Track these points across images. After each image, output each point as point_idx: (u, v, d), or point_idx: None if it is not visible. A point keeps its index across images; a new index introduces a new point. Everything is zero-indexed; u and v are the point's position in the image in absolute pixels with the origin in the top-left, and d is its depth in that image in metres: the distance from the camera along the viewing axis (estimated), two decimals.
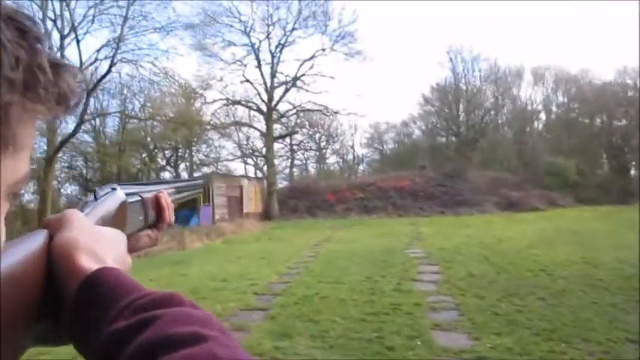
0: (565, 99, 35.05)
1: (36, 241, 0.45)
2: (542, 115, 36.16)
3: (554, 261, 8.76)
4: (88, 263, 0.44)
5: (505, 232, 14.27)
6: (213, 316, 0.40)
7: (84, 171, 21.07)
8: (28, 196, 18.06)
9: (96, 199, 0.59)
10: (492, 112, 33.56)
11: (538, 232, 13.74)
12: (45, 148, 16.42)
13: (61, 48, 16.03)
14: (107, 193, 0.61)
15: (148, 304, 0.39)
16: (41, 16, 15.66)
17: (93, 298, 0.41)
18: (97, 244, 0.47)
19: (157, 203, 0.74)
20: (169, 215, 0.76)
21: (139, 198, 0.69)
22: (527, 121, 34.54)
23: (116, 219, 0.59)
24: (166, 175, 23.31)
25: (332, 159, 40.66)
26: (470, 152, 32.98)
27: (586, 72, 34.12)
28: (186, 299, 0.41)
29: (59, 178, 19.31)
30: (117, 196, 0.62)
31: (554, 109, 35.79)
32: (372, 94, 63.16)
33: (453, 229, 16.10)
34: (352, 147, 40.09)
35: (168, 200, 0.76)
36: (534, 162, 31.78)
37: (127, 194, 0.65)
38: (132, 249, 0.70)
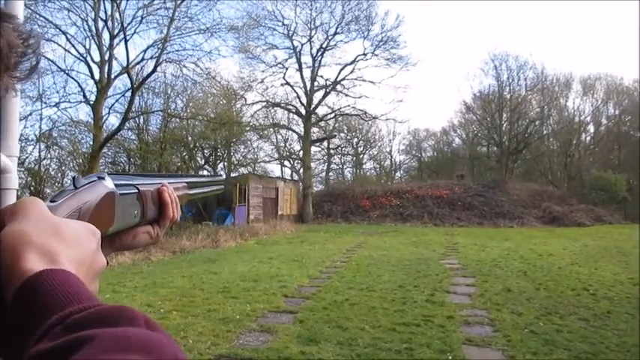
0: (616, 111, 33.51)
1: None
2: (591, 127, 34.71)
3: (598, 280, 8.31)
4: (34, 263, 0.36)
5: (546, 247, 13.71)
6: (168, 340, 0.31)
7: (126, 167, 21.70)
8: None
9: (75, 187, 0.52)
10: (537, 123, 32.44)
11: (582, 249, 13.13)
12: (91, 143, 17.03)
13: (111, 47, 16.59)
14: (90, 182, 0.54)
15: (85, 319, 0.31)
16: (93, 17, 16.31)
17: (25, 307, 0.34)
18: (53, 239, 0.40)
19: (160, 197, 0.67)
20: (173, 211, 0.69)
21: (134, 190, 0.62)
22: (575, 133, 33.19)
23: (98, 212, 0.52)
24: (204, 174, 23.74)
25: (369, 164, 40.42)
26: (512, 163, 32.04)
27: None
28: (139, 315, 0.33)
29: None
30: (102, 186, 0.55)
31: (603, 121, 34.29)
32: (412, 100, 62.56)
33: (491, 241, 15.62)
34: (390, 153, 39.75)
35: (172, 195, 0.69)
36: (580, 176, 30.56)
37: (119, 185, 0.58)
38: (127, 246, 0.65)
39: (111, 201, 0.55)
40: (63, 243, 0.40)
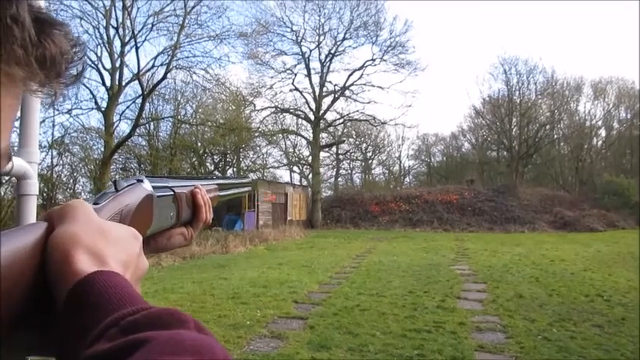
0: (628, 115, 33.17)
1: (31, 233, 0.39)
2: (602, 132, 34.38)
3: (612, 286, 8.20)
4: (85, 264, 0.37)
5: (558, 252, 13.56)
6: (216, 343, 0.32)
7: (137, 172, 21.89)
8: (85, 194, 18.95)
9: (117, 190, 0.52)
10: (547, 127, 32.19)
11: (595, 255, 12.96)
12: (102, 149, 17.21)
13: (122, 54, 16.80)
14: (130, 185, 0.54)
15: (140, 321, 0.32)
16: (105, 24, 16.54)
17: (79, 308, 0.34)
18: (101, 241, 0.40)
19: (193, 200, 0.68)
20: (207, 213, 0.70)
21: (170, 192, 0.62)
22: (586, 137, 32.88)
23: (138, 214, 0.53)
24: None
25: (378, 170, 40.36)
26: (522, 168, 31.81)
27: None
28: (189, 318, 0.34)
29: (114, 179, 20.20)
30: (142, 188, 0.55)
31: (615, 125, 33.95)
32: (421, 105, 62.44)
33: (502, 246, 15.48)
34: (399, 158, 39.68)
35: (205, 197, 0.69)
36: (592, 180, 30.24)
37: (156, 187, 0.59)
38: (162, 248, 0.66)
39: (149, 203, 0.56)
40: (110, 245, 0.41)
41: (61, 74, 0.35)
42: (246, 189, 0.97)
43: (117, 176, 21.31)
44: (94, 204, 0.48)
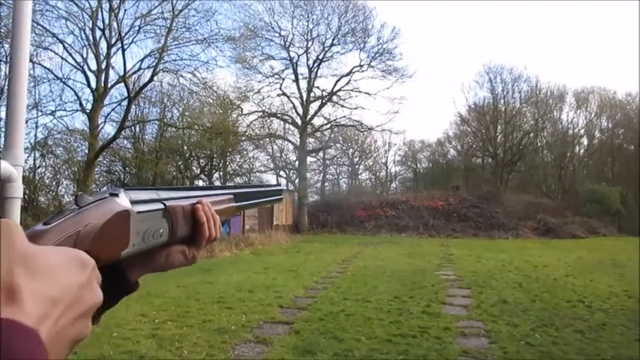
0: (609, 124, 33.80)
1: None
2: (585, 140, 34.97)
3: (593, 292, 8.33)
4: None
5: (541, 258, 13.73)
6: None
7: (122, 176, 21.64)
8: (68, 197, 18.67)
9: (79, 206, 0.45)
10: (531, 135, 32.66)
11: (577, 261, 13.16)
12: (86, 152, 16.99)
13: (108, 56, 16.64)
14: (98, 201, 0.47)
15: None
16: (91, 26, 16.37)
17: None
18: (20, 272, 0.33)
19: (193, 215, 0.60)
20: (210, 230, 0.62)
21: (159, 206, 0.56)
22: (569, 146, 33.43)
23: (106, 234, 0.46)
24: (199, 183, 23.71)
25: (364, 175, 40.48)
26: (506, 175, 32.18)
27: (633, 97, 32.92)
28: None
29: (97, 182, 19.89)
30: (113, 203, 0.48)
31: (597, 134, 34.56)
32: (408, 111, 62.81)
33: (486, 252, 15.63)
34: (385, 164, 39.81)
35: (209, 212, 0.62)
36: (575, 188, 30.72)
37: (138, 202, 0.52)
38: (160, 267, 0.61)
39: (123, 220, 0.49)
40: (32, 278, 0.34)
41: None
42: (276, 197, 0.88)
43: (101, 179, 21.07)
44: (44, 224, 0.42)
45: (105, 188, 0.53)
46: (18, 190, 1.04)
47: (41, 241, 0.40)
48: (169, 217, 0.57)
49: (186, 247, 0.61)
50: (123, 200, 0.50)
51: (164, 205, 0.56)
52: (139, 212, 0.51)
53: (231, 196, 0.72)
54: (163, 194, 0.58)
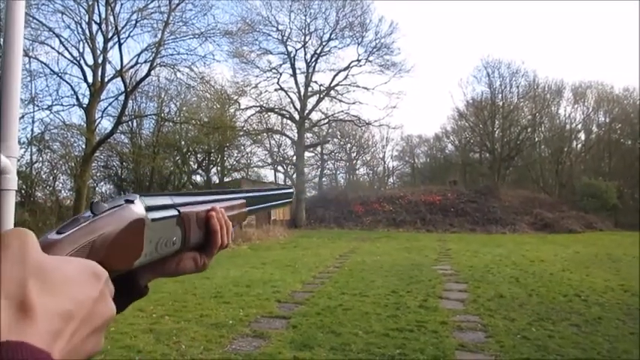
0: (607, 119, 33.87)
1: None
2: (582, 135, 35.06)
3: (589, 286, 8.36)
4: (3, 313, 0.30)
5: (538, 253, 13.79)
6: None
7: (119, 171, 21.60)
8: (65, 192, 18.63)
9: (94, 214, 0.44)
10: (529, 130, 32.71)
11: (573, 256, 13.21)
12: (83, 147, 16.93)
13: (104, 50, 16.54)
14: (114, 208, 0.46)
15: None
16: (87, 20, 16.26)
17: None
18: (35, 287, 0.32)
19: (207, 222, 0.60)
20: (223, 238, 0.61)
21: (174, 213, 0.54)
22: (566, 141, 33.50)
23: (120, 244, 0.45)
24: (197, 178, 23.70)
25: (362, 170, 40.59)
26: (504, 170, 32.25)
27: (630, 92, 32.96)
28: None
29: (95, 177, 19.87)
30: (128, 211, 0.47)
31: (594, 129, 34.64)
32: (405, 106, 62.86)
33: (484, 247, 15.68)
34: (383, 159, 39.93)
35: (223, 219, 0.61)
36: (571, 183, 30.81)
37: (153, 208, 0.51)
38: (171, 273, 0.60)
39: (138, 229, 0.48)
40: (47, 291, 0.32)
41: None
42: (286, 200, 0.87)
43: (98, 174, 21.01)
44: (57, 232, 0.41)
45: (121, 194, 0.52)
46: (12, 182, 1.03)
47: (54, 251, 0.39)
48: (183, 225, 0.56)
49: (197, 253, 0.61)
50: (138, 207, 0.48)
51: (178, 211, 0.55)
52: (153, 220, 0.50)
53: (244, 201, 0.71)
54: (177, 200, 0.57)
